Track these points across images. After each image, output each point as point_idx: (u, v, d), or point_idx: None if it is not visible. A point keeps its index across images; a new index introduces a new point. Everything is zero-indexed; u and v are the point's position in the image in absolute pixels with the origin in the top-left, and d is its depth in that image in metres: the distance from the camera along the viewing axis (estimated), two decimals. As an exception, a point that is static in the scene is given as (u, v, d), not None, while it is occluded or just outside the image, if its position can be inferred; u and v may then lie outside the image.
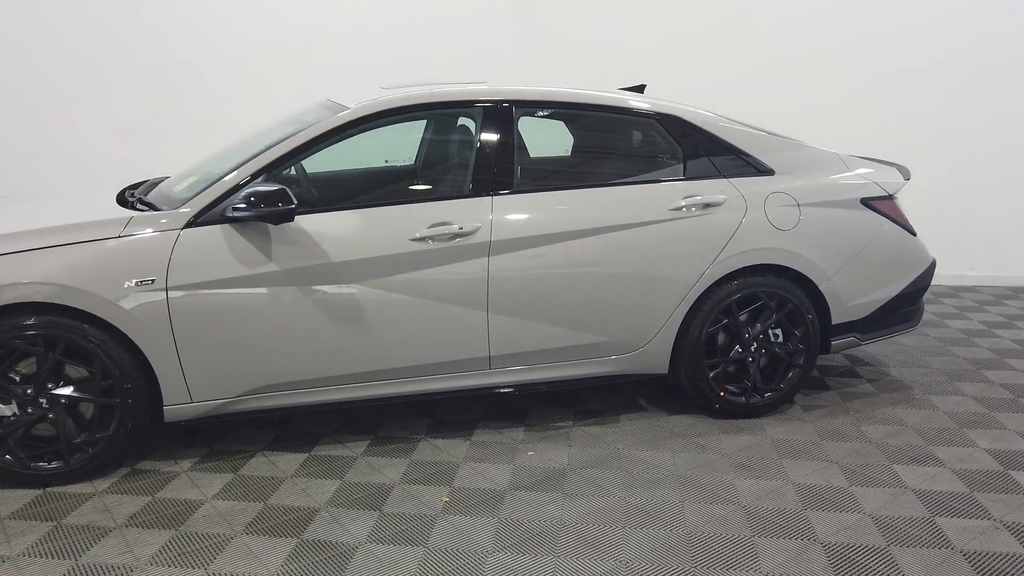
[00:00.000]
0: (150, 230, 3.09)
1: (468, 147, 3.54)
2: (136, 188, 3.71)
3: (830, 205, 3.76)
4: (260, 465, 3.32)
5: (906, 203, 4.00)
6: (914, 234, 3.96)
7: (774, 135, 3.85)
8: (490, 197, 3.38)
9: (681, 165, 3.69)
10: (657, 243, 3.52)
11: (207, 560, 2.62)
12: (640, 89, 4.37)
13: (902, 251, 3.91)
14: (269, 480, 3.18)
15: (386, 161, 4.34)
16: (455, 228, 3.29)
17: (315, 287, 3.18)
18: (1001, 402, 3.97)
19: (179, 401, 3.17)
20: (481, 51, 6.63)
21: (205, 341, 3.12)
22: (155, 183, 3.76)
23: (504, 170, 3.43)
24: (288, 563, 2.61)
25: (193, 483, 3.16)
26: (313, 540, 2.74)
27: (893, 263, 3.89)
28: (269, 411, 3.31)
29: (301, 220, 3.19)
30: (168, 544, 2.71)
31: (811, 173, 3.82)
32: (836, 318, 3.80)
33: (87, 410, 3.10)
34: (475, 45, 6.63)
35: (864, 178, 3.88)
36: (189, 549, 2.68)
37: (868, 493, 3.07)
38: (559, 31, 6.62)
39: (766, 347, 3.74)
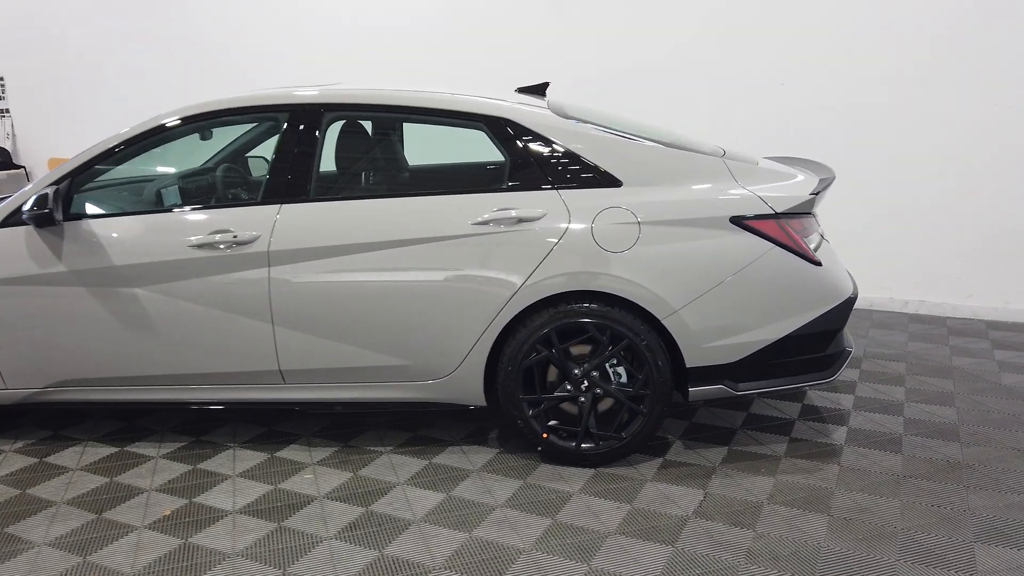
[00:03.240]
0: (-29, 229, 3.38)
1: (274, 152, 3.40)
2: None
3: (683, 223, 3.09)
4: (70, 456, 3.50)
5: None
6: (816, 263, 3.13)
7: (636, 140, 3.25)
8: (278, 205, 3.25)
9: (505, 173, 3.26)
10: (456, 261, 3.14)
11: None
12: (542, 88, 3.93)
13: (792, 283, 3.11)
14: (57, 469, 3.35)
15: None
16: (231, 236, 3.21)
17: (102, 289, 3.28)
18: (894, 480, 3.02)
19: (-4, 387, 3.45)
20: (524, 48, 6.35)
21: (11, 333, 3.36)
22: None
23: (299, 177, 3.27)
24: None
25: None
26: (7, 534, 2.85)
27: (777, 298, 3.11)
28: (79, 404, 3.48)
29: (93, 224, 3.30)
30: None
31: (671, 185, 3.17)
32: (691, 360, 3.13)
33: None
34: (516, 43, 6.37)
35: (746, 191, 3.14)
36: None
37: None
38: (585, 29, 6.13)
39: (602, 388, 3.18)
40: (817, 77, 5.47)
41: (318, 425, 3.73)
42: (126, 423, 3.81)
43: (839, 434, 3.54)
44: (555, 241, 3.10)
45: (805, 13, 5.44)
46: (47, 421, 3.84)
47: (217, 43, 7.68)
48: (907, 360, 4.51)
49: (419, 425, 3.70)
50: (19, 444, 3.60)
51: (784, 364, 3.18)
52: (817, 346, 3.18)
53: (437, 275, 3.15)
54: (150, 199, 3.69)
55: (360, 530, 2.82)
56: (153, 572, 2.60)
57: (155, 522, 2.91)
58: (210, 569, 2.61)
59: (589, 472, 3.22)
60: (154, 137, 3.37)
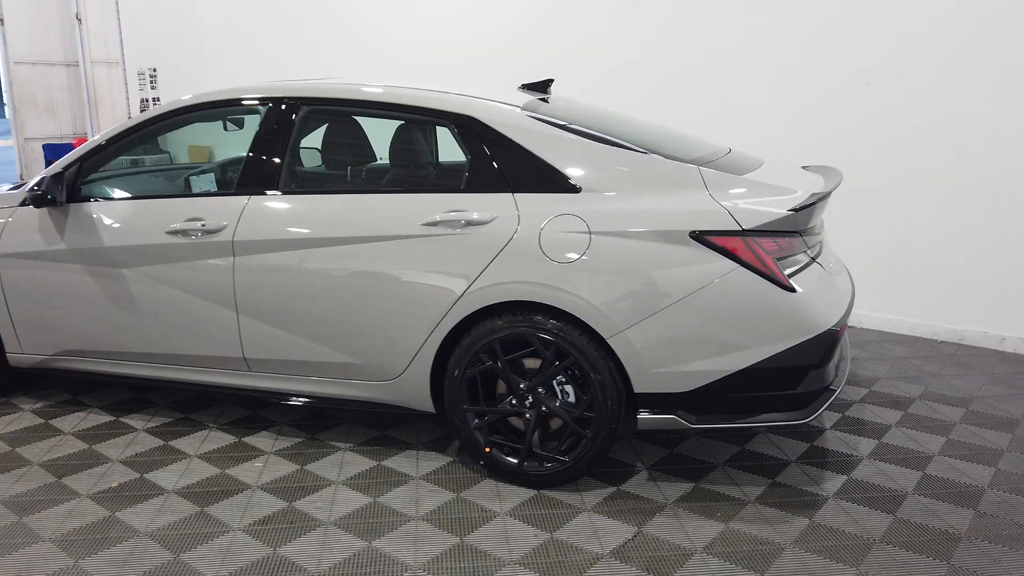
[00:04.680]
0: (2, 207, 3.71)
1: (250, 144, 3.45)
2: None
3: (637, 236, 2.83)
4: (71, 421, 3.76)
5: None
6: (788, 288, 2.75)
7: (602, 144, 3.01)
8: (247, 196, 3.31)
9: (464, 173, 3.13)
10: (404, 262, 3.06)
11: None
12: (545, 85, 3.75)
13: (757, 310, 2.76)
14: (53, 431, 3.61)
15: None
16: (199, 224, 3.30)
17: (95, 268, 3.49)
18: (864, 545, 2.58)
19: (15, 351, 3.77)
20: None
21: (26, 302, 3.66)
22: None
23: (269, 170, 3.32)
24: (-66, 499, 3.00)
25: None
26: (-22, 487, 3.10)
27: (738, 325, 2.77)
28: (82, 374, 3.73)
29: (93, 207, 3.52)
30: None
31: (632, 193, 2.91)
32: (639, 386, 2.86)
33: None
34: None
35: (715, 204, 2.82)
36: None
37: None
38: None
39: (546, 405, 2.99)
40: (918, 82, 4.86)
41: (297, 415, 3.77)
42: (136, 394, 4.05)
43: (833, 484, 3.12)
44: (501, 247, 2.93)
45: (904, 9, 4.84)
46: (72, 386, 4.15)
47: (346, 38, 7.97)
48: (970, 406, 3.91)
49: (389, 425, 3.66)
50: (38, 405, 3.92)
51: (747, 399, 2.84)
52: (786, 382, 2.81)
53: (385, 274, 3.09)
54: (147, 186, 3.89)
55: (270, 525, 2.82)
56: (69, 540, 2.73)
57: (99, 492, 3.06)
58: (116, 544, 2.70)
59: (529, 494, 3.04)
60: (147, 128, 3.55)
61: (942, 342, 4.95)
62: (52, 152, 11.08)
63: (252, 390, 3.45)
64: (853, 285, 3.33)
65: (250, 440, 3.52)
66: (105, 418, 3.77)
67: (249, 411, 3.83)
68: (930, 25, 4.74)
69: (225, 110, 3.60)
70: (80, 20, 10.73)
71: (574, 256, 2.85)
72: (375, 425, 3.66)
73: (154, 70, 10.53)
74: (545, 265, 2.88)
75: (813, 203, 2.83)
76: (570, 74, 5.62)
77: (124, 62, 11.00)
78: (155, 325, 3.46)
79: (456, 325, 3.03)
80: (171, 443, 3.50)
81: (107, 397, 4.01)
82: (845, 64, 5.05)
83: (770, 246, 2.77)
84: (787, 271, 2.79)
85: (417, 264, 3.04)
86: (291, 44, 8.53)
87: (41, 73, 11.20)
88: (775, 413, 2.86)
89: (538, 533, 2.77)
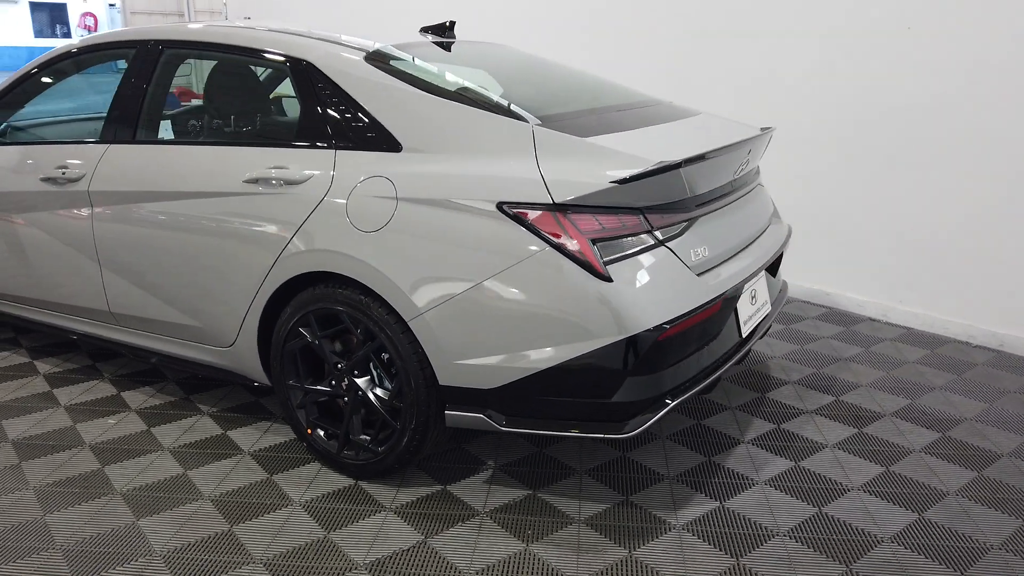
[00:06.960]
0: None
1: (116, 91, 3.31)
2: None
3: (444, 205, 2.42)
4: None
5: None
6: (606, 278, 2.26)
7: (434, 96, 2.59)
8: (107, 144, 3.18)
9: (295, 126, 2.83)
10: (226, 221, 2.83)
11: None
12: (444, 29, 3.33)
13: (565, 299, 2.28)
14: None
15: None
16: (61, 172, 3.22)
17: (-12, 213, 3.52)
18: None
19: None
20: None
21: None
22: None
23: (127, 117, 3.17)
24: None
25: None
26: None
27: (544, 315, 2.31)
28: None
29: (-10, 151, 3.54)
30: None
31: (453, 154, 2.49)
32: (443, 378, 2.48)
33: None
34: None
35: (535, 171, 2.35)
36: None
37: None
38: None
39: (360, 390, 2.69)
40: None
41: (187, 373, 3.67)
42: (62, 341, 4.10)
43: (694, 511, 2.61)
44: (310, 211, 2.63)
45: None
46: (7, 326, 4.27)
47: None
48: (950, 431, 3.19)
49: (268, 392, 3.48)
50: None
51: (557, 404, 2.39)
52: (599, 389, 2.33)
53: (211, 233, 2.87)
54: (44, 133, 3.86)
55: (63, 488, 2.73)
56: None
57: (-53, 436, 3.10)
58: (-86, 491, 2.71)
59: (345, 483, 2.77)
60: (34, 77, 3.51)
61: (976, 347, 4.10)
62: (160, 98, 11.69)
63: (119, 344, 3.37)
64: (750, 280, 2.74)
65: (127, 395, 3.47)
66: (21, 360, 3.85)
67: (149, 366, 3.78)
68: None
69: (104, 54, 3.47)
70: (186, -29, 11.15)
71: (379, 225, 2.50)
72: (257, 391, 3.49)
73: (248, 18, 10.82)
74: (350, 234, 2.54)
75: (645, 175, 2.28)
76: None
77: (226, 10, 11.40)
78: (36, 271, 3.45)
79: (278, 294, 2.77)
80: (54, 391, 3.51)
81: (35, 340, 4.10)
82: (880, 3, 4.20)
83: (588, 224, 2.29)
84: (611, 256, 2.29)
85: (237, 224, 2.80)
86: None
87: (155, 23, 11.80)
88: (587, 423, 2.39)
89: (315, 530, 2.50)
